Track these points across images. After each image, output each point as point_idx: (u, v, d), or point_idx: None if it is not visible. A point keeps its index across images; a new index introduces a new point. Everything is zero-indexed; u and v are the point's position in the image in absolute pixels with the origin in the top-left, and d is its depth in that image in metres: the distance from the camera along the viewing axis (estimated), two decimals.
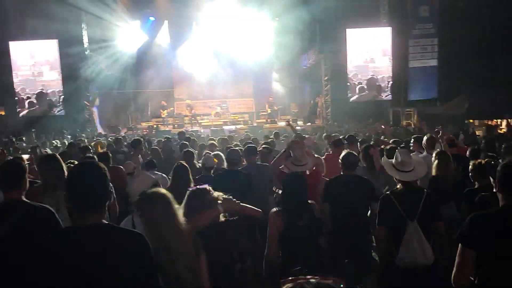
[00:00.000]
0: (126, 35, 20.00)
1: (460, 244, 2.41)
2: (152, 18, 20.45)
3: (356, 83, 18.78)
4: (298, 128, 13.69)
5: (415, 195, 3.48)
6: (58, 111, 17.85)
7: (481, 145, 6.62)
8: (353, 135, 6.97)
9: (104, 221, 2.00)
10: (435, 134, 5.96)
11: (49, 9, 16.37)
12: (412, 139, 6.50)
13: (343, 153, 4.51)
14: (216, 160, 5.43)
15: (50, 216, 2.80)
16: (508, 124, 10.39)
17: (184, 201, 2.81)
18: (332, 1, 16.99)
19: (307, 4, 18.07)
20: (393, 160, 3.67)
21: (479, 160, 4.24)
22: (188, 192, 2.93)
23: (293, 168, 4.53)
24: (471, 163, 4.24)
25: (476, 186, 4.08)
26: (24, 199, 2.90)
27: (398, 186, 3.61)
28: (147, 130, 17.90)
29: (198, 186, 3.01)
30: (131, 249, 1.91)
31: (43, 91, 17.77)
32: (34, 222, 2.72)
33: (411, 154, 4.03)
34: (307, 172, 4.64)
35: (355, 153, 4.68)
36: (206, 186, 3.00)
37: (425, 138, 5.89)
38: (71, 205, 1.97)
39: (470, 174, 4.19)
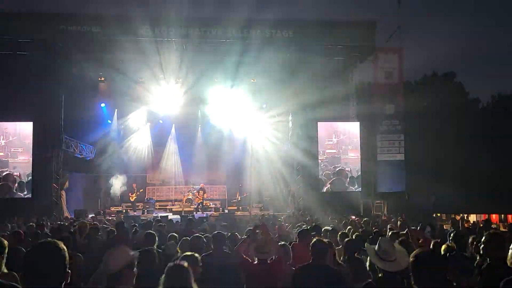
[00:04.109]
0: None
1: None
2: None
3: (331, 174, 19.17)
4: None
5: (397, 285, 3.48)
6: (25, 194, 17.32)
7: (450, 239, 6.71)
8: (319, 226, 7.00)
9: None
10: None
11: (27, 92, 16.70)
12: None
13: (312, 241, 4.52)
14: (178, 250, 5.33)
15: None
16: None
17: None
18: (304, 95, 17.97)
19: (280, 98, 19.13)
20: (376, 248, 3.71)
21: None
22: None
23: (256, 256, 4.52)
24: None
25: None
26: None
27: (380, 275, 3.62)
28: (115, 215, 17.43)
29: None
30: None
31: (10, 172, 17.35)
32: None
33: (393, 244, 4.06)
34: (268, 261, 4.58)
35: (324, 240, 4.71)
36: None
37: (389, 233, 6.00)
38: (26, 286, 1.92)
39: None
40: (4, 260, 2.91)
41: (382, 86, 19.88)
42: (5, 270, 3.14)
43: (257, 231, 4.89)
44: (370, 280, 3.66)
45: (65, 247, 2.03)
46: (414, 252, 2.61)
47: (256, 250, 4.54)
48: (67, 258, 2.00)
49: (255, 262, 4.59)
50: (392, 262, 3.57)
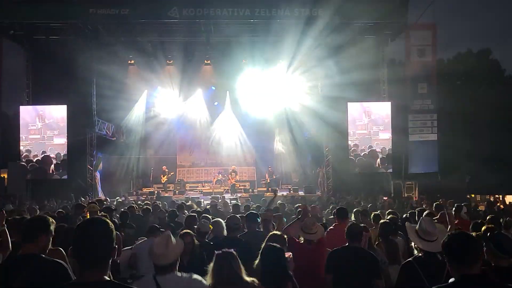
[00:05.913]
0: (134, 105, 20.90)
1: None
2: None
3: (361, 154, 18.92)
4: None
5: (438, 265, 3.41)
6: (62, 175, 17.90)
7: (486, 219, 6.59)
8: (345, 208, 6.83)
9: (106, 277, 2.01)
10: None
11: (60, 76, 17.07)
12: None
13: (348, 224, 4.54)
14: (211, 227, 5.43)
15: (62, 271, 2.82)
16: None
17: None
18: (333, 75, 17.66)
19: (309, 78, 18.87)
20: (417, 227, 3.67)
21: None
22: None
23: (303, 236, 4.61)
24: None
25: None
26: (42, 254, 2.92)
27: (420, 254, 3.58)
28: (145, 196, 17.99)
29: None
30: None
31: (48, 155, 17.93)
32: (47, 276, 2.72)
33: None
34: (314, 241, 4.64)
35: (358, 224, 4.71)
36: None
37: (424, 213, 5.92)
38: (75, 260, 1.99)
39: None
40: (50, 238, 3.01)
41: (414, 64, 19.31)
42: (51, 247, 3.27)
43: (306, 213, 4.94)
44: (410, 259, 3.64)
45: (111, 223, 2.07)
46: (448, 233, 2.64)
47: (303, 230, 4.61)
48: (115, 234, 2.04)
49: (301, 242, 4.68)
50: (432, 243, 3.52)
